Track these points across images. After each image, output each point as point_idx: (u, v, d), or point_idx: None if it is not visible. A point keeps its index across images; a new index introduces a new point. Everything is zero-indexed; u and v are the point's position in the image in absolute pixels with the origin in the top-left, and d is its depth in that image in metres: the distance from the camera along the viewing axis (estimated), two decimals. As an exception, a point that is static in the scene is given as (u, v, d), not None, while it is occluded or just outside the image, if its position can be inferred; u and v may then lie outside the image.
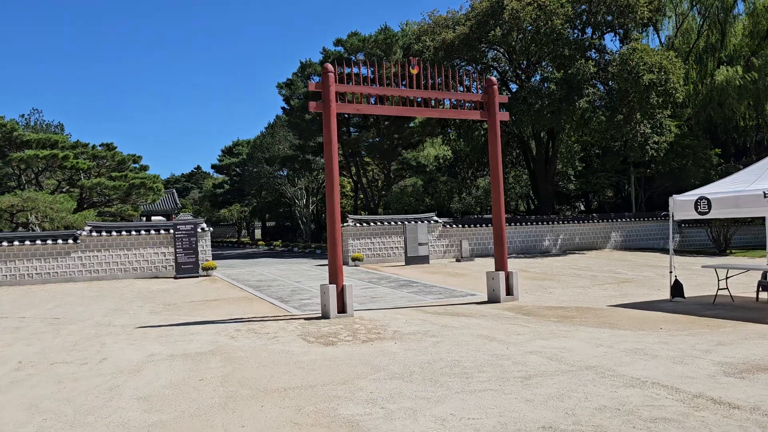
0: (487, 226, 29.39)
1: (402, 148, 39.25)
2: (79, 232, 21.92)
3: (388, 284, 19.41)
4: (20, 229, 24.32)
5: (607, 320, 11.66)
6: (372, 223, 26.79)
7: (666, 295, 15.21)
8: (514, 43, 31.72)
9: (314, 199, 49.87)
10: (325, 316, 12.97)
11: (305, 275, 22.50)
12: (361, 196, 40.94)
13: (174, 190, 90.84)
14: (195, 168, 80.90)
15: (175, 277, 22.41)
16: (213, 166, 61.13)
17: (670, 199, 14.15)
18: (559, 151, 36.17)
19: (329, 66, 13.93)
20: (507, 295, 15.07)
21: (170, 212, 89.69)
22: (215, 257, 29.65)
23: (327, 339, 10.31)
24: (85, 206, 34.54)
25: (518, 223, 31.22)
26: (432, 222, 28.04)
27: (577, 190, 43.30)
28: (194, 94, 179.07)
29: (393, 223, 27.20)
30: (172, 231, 22.93)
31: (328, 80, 13.84)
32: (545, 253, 31.23)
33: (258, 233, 66.61)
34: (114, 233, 22.23)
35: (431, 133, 37.24)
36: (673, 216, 14.04)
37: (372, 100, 14.81)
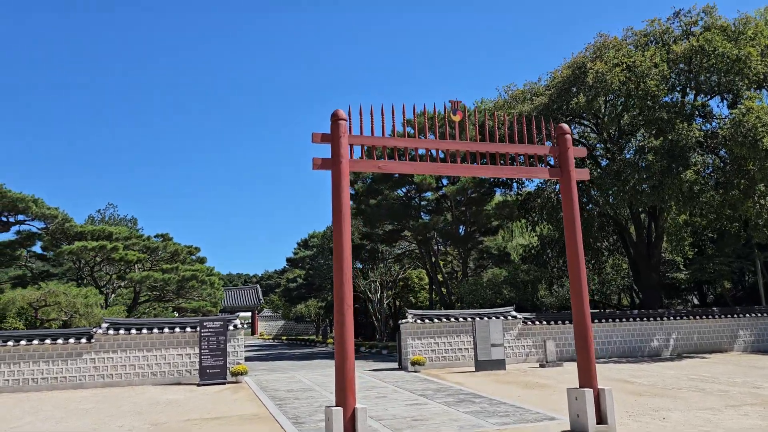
0: (578, 322, 24.42)
1: (480, 234, 35.29)
2: (95, 329, 19.28)
3: (443, 399, 15.07)
4: (45, 326, 22.16)
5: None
6: (436, 320, 22.62)
7: None
8: (600, 111, 27.80)
9: (389, 293, 46.18)
10: (322, 455, 8.99)
11: (348, 384, 18.44)
12: (444, 290, 36.89)
13: (258, 286, 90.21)
14: (286, 264, 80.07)
15: (198, 384, 19.07)
16: (288, 260, 59.41)
17: None
18: (664, 233, 30.88)
19: (341, 112, 10.74)
20: (598, 424, 10.46)
21: (253, 308, 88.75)
22: (275, 357, 26.43)
23: None
24: (140, 301, 32.69)
25: (619, 319, 25.95)
26: (509, 318, 23.48)
27: (689, 280, 37.08)
28: (279, 186, 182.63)
29: (461, 319, 22.89)
30: (198, 329, 19.86)
31: (339, 130, 10.61)
32: (654, 356, 25.59)
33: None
34: (133, 331, 19.42)
35: (509, 216, 33.14)
36: None
37: (404, 155, 11.30)
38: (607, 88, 25.46)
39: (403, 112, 11.21)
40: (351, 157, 10.75)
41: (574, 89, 27.55)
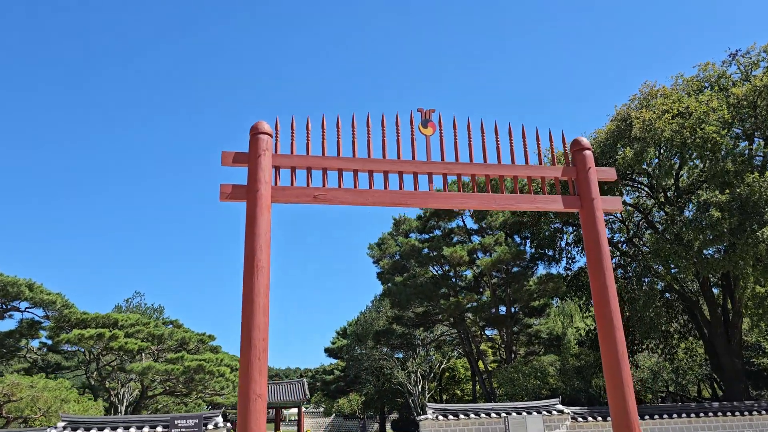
0: (649, 418, 19.86)
1: (524, 314, 31.13)
2: (49, 430, 16.31)
3: None
4: (10, 426, 19.32)
5: None
6: (462, 416, 18.56)
7: None
8: (652, 166, 24.18)
9: (431, 385, 41.61)
10: None
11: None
12: (486, 380, 32.42)
13: (304, 380, 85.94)
14: (325, 354, 76.22)
15: (163, 498, 15.57)
16: (326, 350, 55.61)
17: None
18: (742, 308, 26.07)
19: (263, 124, 7.94)
20: None
21: (299, 403, 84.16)
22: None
23: None
24: (149, 394, 29.76)
25: (696, 414, 21.13)
26: (554, 412, 19.15)
27: (782, 366, 31.39)
28: (326, 274, 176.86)
29: (494, 414, 18.74)
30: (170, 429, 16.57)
31: (259, 146, 7.77)
32: (745, 462, 20.45)
33: (383, 427, 57.92)
34: (94, 431, 16.33)
35: (555, 291, 28.98)
36: None
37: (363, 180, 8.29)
38: (658, 138, 22.00)
39: (353, 125, 8.27)
40: (276, 183, 7.78)
41: (619, 144, 24.20)
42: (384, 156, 8.24)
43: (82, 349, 28.68)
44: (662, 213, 26.60)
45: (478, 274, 31.13)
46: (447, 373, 44.27)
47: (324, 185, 7.96)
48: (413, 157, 8.32)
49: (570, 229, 31.46)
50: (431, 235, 30.86)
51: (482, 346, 36.68)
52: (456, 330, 32.85)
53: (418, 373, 40.89)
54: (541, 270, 30.48)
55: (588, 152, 8.67)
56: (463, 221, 31.39)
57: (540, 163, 8.60)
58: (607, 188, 23.21)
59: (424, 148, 8.41)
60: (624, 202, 28.84)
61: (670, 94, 24.32)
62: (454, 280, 30.78)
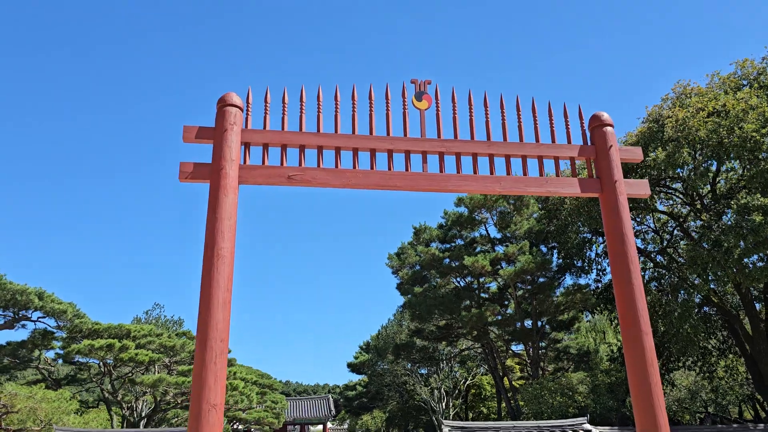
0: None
1: (551, 328, 29.60)
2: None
3: None
4: (8, 437, 18.67)
5: None
6: (481, 434, 17.26)
7: None
8: (686, 168, 22.67)
9: (456, 402, 40.06)
10: None
11: None
12: (510, 397, 30.89)
13: (329, 396, 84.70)
14: (348, 369, 74.82)
15: None
16: (349, 365, 54.37)
17: None
18: (788, 323, 24.24)
19: (233, 96, 6.98)
20: None
21: (324, 420, 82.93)
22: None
23: None
24: (162, 407, 29.02)
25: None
26: (581, 433, 17.71)
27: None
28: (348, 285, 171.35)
29: (515, 433, 17.38)
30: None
31: (226, 120, 6.81)
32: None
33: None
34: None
35: (583, 304, 27.41)
36: None
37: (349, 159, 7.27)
38: (692, 138, 20.57)
39: (336, 98, 7.29)
40: (245, 161, 6.81)
41: (651, 148, 22.80)
42: (371, 132, 7.20)
43: (96, 361, 28.11)
44: (699, 222, 25.01)
45: (503, 286, 29.76)
46: (473, 390, 42.68)
47: (301, 164, 6.96)
48: (405, 134, 7.26)
49: (600, 239, 29.94)
50: (453, 244, 29.67)
51: (508, 362, 35.14)
52: (480, 344, 31.44)
53: (442, 390, 39.46)
54: (569, 281, 29.01)
55: (609, 129, 7.51)
56: (486, 230, 30.14)
57: (553, 142, 7.39)
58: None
59: (418, 124, 7.36)
60: (657, 210, 27.27)
61: (705, 92, 22.88)
62: (477, 291, 29.44)
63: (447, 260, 28.07)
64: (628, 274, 6.94)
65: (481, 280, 29.14)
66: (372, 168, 7.07)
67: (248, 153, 6.90)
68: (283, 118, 7.07)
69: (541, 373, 29.98)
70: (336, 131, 7.14)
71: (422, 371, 42.29)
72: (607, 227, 7.23)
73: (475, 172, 7.23)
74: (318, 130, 7.10)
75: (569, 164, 7.57)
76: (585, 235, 28.39)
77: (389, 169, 7.09)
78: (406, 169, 7.12)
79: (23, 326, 26.80)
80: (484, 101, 7.56)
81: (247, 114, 7.02)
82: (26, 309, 24.78)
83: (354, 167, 7.04)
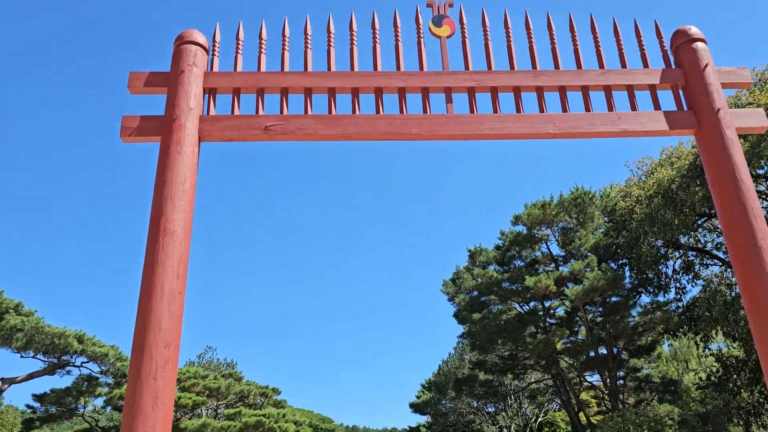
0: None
1: (629, 354, 26.53)
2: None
3: None
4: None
5: None
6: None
7: None
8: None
9: (530, 442, 36.77)
10: None
11: None
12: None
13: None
14: (410, 410, 71.52)
15: None
16: (411, 405, 51.54)
17: None
18: None
19: (194, 32, 5.34)
20: None
21: (390, 468, 79.76)
22: None
23: None
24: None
25: None
26: (678, 472, 14.89)
27: None
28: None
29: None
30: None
31: (183, 60, 5.17)
32: None
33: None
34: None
35: (665, 324, 24.30)
36: None
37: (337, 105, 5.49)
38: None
39: (328, 30, 5.59)
40: (209, 111, 5.15)
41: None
42: (375, 68, 5.43)
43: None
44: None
45: (570, 310, 27.02)
46: (545, 428, 39.30)
47: (282, 112, 5.23)
48: (421, 68, 5.46)
49: (677, 253, 26.97)
50: (512, 265, 27.30)
51: (582, 395, 31.98)
52: (551, 376, 28.60)
53: (512, 429, 36.39)
54: (645, 300, 26.01)
55: (701, 44, 5.50)
56: (548, 248, 27.61)
57: (623, 68, 5.41)
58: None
59: (439, 57, 5.55)
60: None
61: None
62: (542, 316, 26.82)
63: (506, 283, 25.68)
64: (755, 249, 4.79)
65: (546, 304, 26.54)
66: (378, 112, 5.27)
67: (213, 102, 5.23)
68: (259, 57, 5.40)
69: (622, 406, 26.82)
70: (329, 69, 5.41)
71: (489, 409, 39.33)
72: (711, 175, 5.14)
73: (518, 111, 5.33)
74: (305, 68, 5.40)
75: (649, 96, 5.55)
76: (658, 245, 25.60)
77: (402, 112, 5.28)
78: (425, 111, 5.29)
79: (68, 372, 25.94)
80: (525, 21, 5.69)
81: (213, 56, 5.39)
82: (66, 353, 23.87)
83: (354, 113, 5.27)
